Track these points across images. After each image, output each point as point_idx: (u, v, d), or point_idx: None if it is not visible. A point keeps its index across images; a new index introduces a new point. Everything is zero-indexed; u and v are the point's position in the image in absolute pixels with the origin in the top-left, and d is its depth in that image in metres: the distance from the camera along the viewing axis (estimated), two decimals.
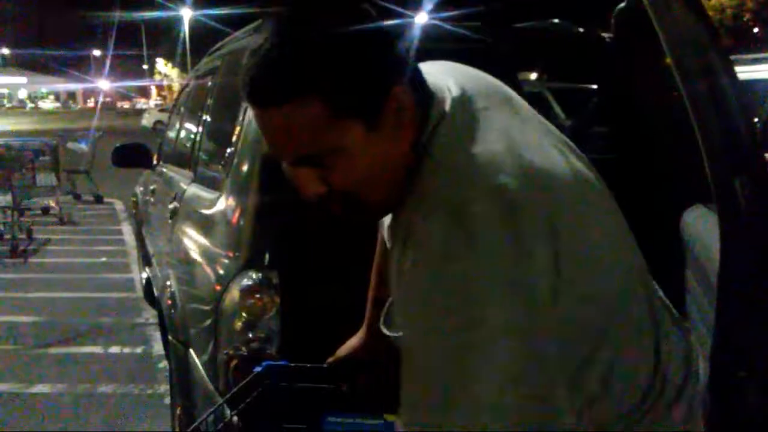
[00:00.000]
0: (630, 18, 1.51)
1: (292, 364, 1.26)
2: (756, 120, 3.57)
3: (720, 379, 1.05)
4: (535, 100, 2.90)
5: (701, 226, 1.72)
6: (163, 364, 3.47)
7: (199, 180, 2.37)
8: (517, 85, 1.78)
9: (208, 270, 1.91)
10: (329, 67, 0.74)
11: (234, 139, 1.97)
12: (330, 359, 1.33)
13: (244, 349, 1.63)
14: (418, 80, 0.83)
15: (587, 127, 3.35)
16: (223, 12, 35.95)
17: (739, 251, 1.07)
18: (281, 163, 0.82)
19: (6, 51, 59.07)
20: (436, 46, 1.13)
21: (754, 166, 1.08)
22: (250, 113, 1.83)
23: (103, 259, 5.98)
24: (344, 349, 1.35)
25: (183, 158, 2.95)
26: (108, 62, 52.11)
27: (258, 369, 1.23)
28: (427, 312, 0.70)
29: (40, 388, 3.30)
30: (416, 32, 0.86)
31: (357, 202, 0.82)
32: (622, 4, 1.61)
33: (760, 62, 4.11)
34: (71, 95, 58.72)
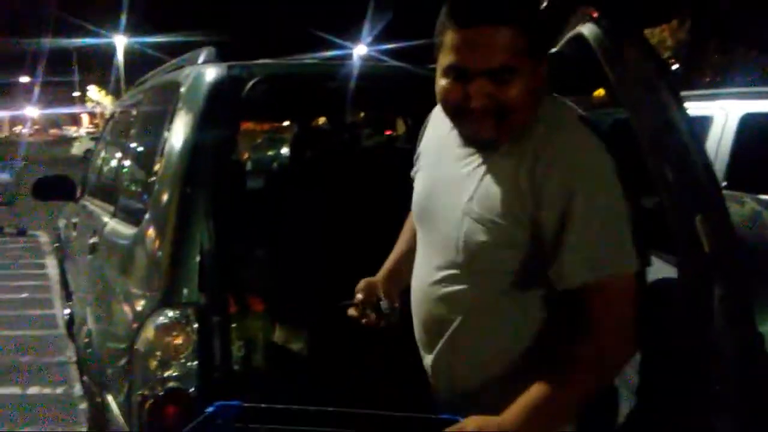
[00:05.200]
0: (563, 62, 1.60)
1: (246, 405, 1.23)
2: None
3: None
4: None
5: None
6: (85, 405, 3.34)
7: (119, 214, 2.32)
8: None
9: (125, 307, 1.87)
10: (536, 17, 1.16)
11: (154, 174, 1.95)
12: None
13: (159, 388, 1.59)
14: None
15: None
16: (158, 40, 35.43)
17: (701, 290, 1.12)
18: (443, 80, 1.15)
19: None
20: None
21: (714, 203, 1.14)
22: (172, 144, 1.82)
23: (25, 294, 5.73)
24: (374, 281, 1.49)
25: (104, 191, 2.88)
26: (37, 89, 50.28)
27: (210, 409, 1.20)
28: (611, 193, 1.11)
29: None
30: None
31: (507, 118, 1.11)
32: (555, 49, 1.69)
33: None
34: None
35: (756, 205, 1.47)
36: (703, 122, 3.66)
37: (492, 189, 1.16)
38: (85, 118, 58.47)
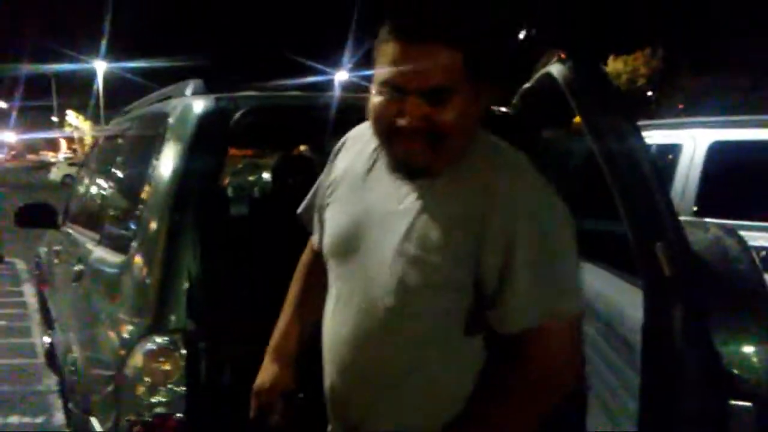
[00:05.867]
0: (535, 96, 1.67)
1: None
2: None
3: None
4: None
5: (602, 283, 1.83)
6: None
7: (105, 242, 2.35)
8: None
9: (112, 334, 1.89)
10: (479, 42, 1.08)
11: (141, 202, 1.99)
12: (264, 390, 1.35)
13: (147, 414, 1.62)
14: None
15: None
16: (137, 65, 35.45)
17: (663, 313, 1.18)
18: (377, 98, 1.10)
19: None
20: None
21: (673, 230, 1.19)
22: (161, 172, 1.87)
23: (3, 322, 5.64)
24: (270, 381, 1.37)
25: (89, 219, 2.90)
26: (14, 113, 49.84)
27: None
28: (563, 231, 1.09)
29: None
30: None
31: (441, 142, 1.07)
32: (528, 85, 1.76)
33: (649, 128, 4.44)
34: None
35: (719, 231, 1.55)
36: (674, 150, 3.79)
37: (430, 226, 1.09)
38: (63, 144, 57.98)
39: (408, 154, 1.09)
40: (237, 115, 1.91)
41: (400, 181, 1.15)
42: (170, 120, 1.98)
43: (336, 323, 1.21)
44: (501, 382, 1.10)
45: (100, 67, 37.17)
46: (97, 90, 37.67)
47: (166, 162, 1.87)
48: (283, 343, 1.39)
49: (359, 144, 1.27)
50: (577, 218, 1.12)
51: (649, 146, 1.27)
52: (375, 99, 1.11)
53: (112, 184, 2.65)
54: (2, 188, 9.50)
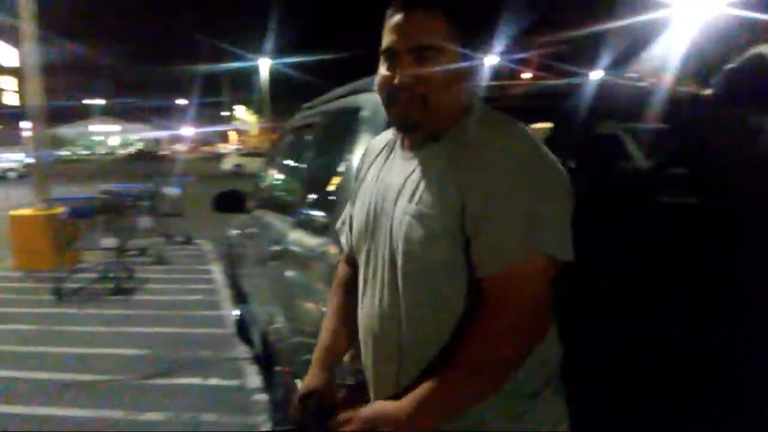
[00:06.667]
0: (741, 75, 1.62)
1: None
2: None
3: None
4: (610, 141, 2.96)
5: None
6: (258, 396, 3.70)
7: (301, 225, 2.61)
8: None
9: (313, 306, 2.11)
10: (468, 9, 1.22)
11: (337, 191, 2.19)
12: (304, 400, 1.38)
13: (349, 378, 1.80)
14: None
15: (665, 169, 3.38)
16: (299, 60, 37.53)
17: None
18: (381, 69, 1.24)
19: (103, 102, 63.65)
20: None
21: None
22: (352, 162, 2.04)
23: (197, 296, 6.36)
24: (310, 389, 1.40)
25: (282, 205, 3.21)
26: (191, 110, 55.17)
27: None
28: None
29: (149, 416, 3.59)
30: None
31: (429, 99, 1.19)
32: (733, 65, 1.69)
33: None
34: (157, 141, 62.26)
35: None
36: None
37: (425, 183, 1.20)
38: (232, 136, 63.14)
39: (403, 112, 1.22)
40: None
41: (409, 156, 1.28)
42: (364, 113, 2.14)
43: (365, 304, 1.32)
44: (468, 333, 1.13)
45: (265, 64, 39.94)
46: (262, 86, 40.57)
47: (360, 153, 2.04)
48: (323, 355, 1.45)
49: (377, 148, 1.42)
50: None
51: None
52: (380, 71, 1.26)
53: (304, 172, 2.91)
54: (188, 178, 10.59)
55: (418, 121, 1.22)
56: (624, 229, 2.03)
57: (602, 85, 2.58)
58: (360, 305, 1.35)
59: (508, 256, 1.11)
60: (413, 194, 1.22)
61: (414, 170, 1.25)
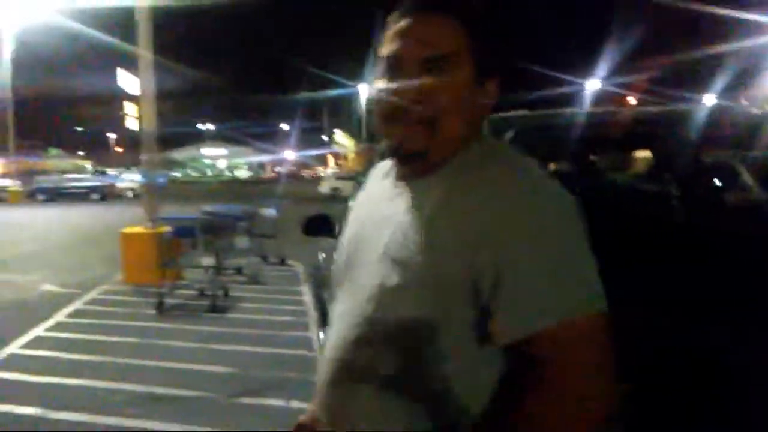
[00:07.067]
0: None
1: None
2: None
3: None
4: (725, 171, 2.75)
5: None
6: None
7: None
8: None
9: None
10: (482, 17, 1.03)
11: None
12: None
13: None
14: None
15: None
16: None
17: None
18: (379, 83, 1.05)
19: (212, 126, 67.69)
20: None
21: None
22: None
23: (287, 318, 6.48)
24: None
25: None
26: (293, 134, 57.46)
27: None
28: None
29: None
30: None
31: (438, 125, 1.00)
32: None
33: None
34: (260, 164, 65.17)
35: None
36: None
37: (413, 220, 1.00)
38: (330, 159, 65.00)
39: (404, 132, 1.02)
40: (508, 134, 1.96)
41: (396, 185, 1.09)
42: None
43: (330, 338, 1.14)
44: (512, 413, 0.93)
45: (363, 90, 40.96)
46: (360, 111, 41.58)
47: None
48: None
49: (380, 174, 1.21)
50: None
51: None
52: (377, 85, 1.06)
53: None
54: (286, 200, 10.94)
55: (421, 149, 1.02)
56: (735, 267, 1.83)
57: (712, 112, 2.42)
58: (330, 337, 1.16)
59: (549, 312, 0.92)
60: (393, 234, 1.02)
61: (397, 205, 1.06)
